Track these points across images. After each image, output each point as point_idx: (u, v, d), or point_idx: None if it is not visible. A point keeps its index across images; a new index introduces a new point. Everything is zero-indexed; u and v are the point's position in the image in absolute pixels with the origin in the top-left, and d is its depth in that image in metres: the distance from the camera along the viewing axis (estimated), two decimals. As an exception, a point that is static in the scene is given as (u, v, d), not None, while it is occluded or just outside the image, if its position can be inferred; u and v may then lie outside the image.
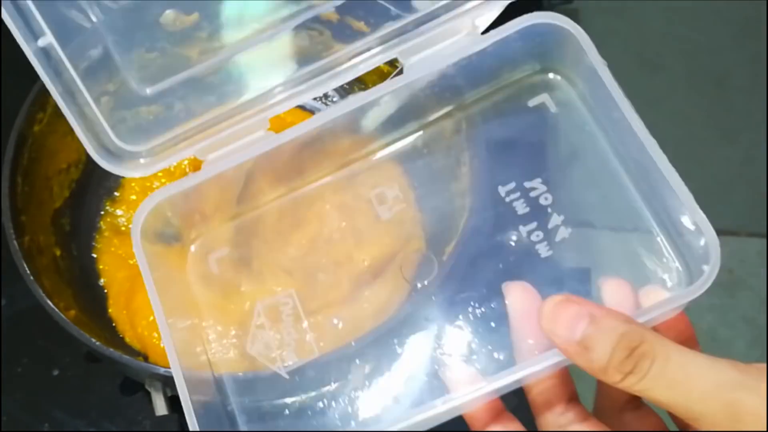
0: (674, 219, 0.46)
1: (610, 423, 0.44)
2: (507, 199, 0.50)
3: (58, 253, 0.65)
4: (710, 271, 0.43)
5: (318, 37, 0.71)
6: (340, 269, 0.65)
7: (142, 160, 0.49)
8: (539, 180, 0.49)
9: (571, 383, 0.44)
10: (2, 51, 0.85)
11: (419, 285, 0.55)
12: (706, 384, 0.38)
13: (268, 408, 0.67)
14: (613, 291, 0.43)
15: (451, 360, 0.46)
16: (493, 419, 0.45)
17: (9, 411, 0.69)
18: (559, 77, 0.50)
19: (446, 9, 0.48)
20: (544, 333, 0.39)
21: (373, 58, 0.50)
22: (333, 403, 0.55)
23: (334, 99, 0.76)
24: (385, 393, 0.51)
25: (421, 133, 0.63)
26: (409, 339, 0.52)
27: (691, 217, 0.44)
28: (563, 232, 0.48)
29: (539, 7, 0.86)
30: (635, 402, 0.44)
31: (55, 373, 0.71)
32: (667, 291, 0.44)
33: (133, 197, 0.71)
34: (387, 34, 0.50)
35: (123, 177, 0.72)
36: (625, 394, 0.42)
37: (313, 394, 0.66)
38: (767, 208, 0.81)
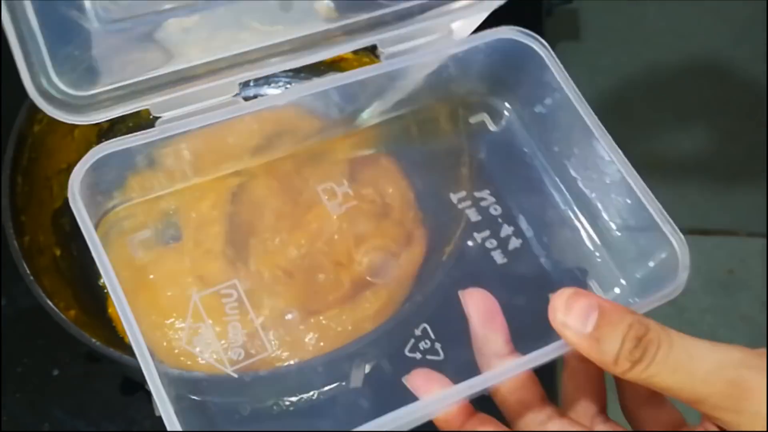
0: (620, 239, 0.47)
1: (630, 418, 0.45)
2: (459, 206, 0.51)
3: (58, 252, 0.65)
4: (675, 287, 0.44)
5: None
6: (341, 269, 0.65)
7: (86, 106, 0.44)
8: (487, 191, 0.50)
9: (539, 385, 0.46)
10: (2, 51, 0.85)
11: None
12: (710, 364, 0.39)
13: (268, 408, 0.67)
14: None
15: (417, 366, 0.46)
16: (467, 419, 0.46)
17: (9, 411, 0.69)
18: (504, 98, 0.51)
19: (422, 8, 0.48)
20: (554, 327, 0.40)
21: (351, 43, 0.48)
22: (332, 403, 0.55)
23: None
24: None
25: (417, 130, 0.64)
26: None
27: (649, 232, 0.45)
28: (515, 242, 0.49)
29: (539, 8, 0.87)
30: (657, 398, 0.45)
31: (55, 373, 0.71)
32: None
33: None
34: (366, 19, 0.49)
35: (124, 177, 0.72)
36: (646, 390, 0.43)
37: (313, 393, 0.66)
38: (767, 208, 0.81)
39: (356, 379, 0.54)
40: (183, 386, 0.57)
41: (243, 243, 0.62)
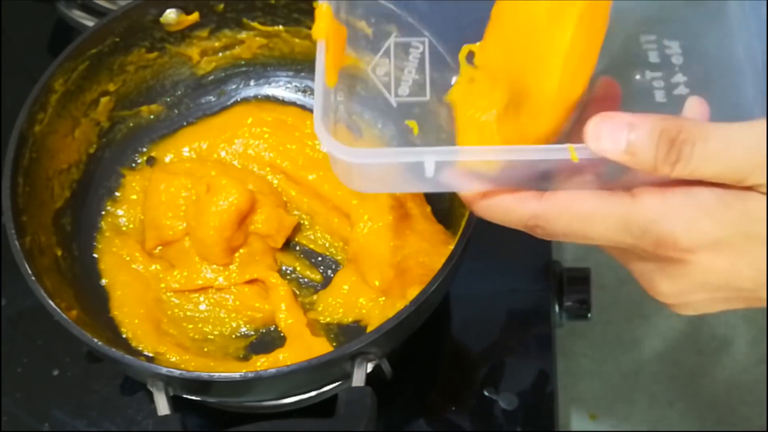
0: None
1: None
2: (644, 46, 0.52)
3: (59, 253, 0.65)
4: None
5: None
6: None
7: None
8: (678, 43, 0.52)
9: None
10: (2, 51, 0.85)
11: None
12: (748, 142, 0.41)
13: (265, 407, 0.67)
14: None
15: None
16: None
17: (9, 411, 0.69)
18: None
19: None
20: (595, 153, 0.43)
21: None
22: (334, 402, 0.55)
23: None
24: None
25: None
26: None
27: None
28: (682, 89, 0.50)
29: None
30: None
31: (55, 373, 0.70)
32: None
33: (134, 197, 0.71)
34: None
35: (124, 177, 0.72)
36: None
37: (315, 393, 0.66)
38: (767, 209, 0.82)
39: (359, 377, 0.54)
40: (184, 386, 0.57)
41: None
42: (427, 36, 0.55)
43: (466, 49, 0.51)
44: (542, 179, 0.45)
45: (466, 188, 0.47)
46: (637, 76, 0.51)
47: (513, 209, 0.45)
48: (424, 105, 0.54)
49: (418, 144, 0.53)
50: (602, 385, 1.23)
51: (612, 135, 0.42)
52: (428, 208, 0.69)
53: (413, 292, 0.57)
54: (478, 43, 0.50)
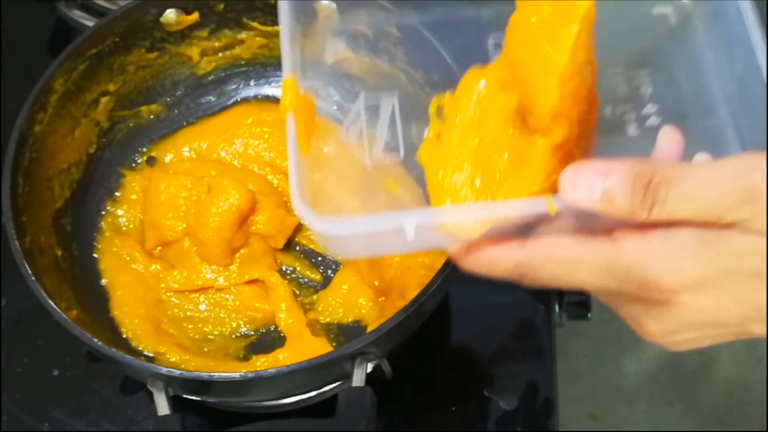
0: None
1: None
2: (612, 80, 0.52)
3: (59, 253, 0.65)
4: None
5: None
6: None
7: None
8: (646, 71, 0.52)
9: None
10: (2, 51, 0.85)
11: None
12: (723, 180, 0.40)
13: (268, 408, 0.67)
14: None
15: None
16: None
17: (9, 411, 0.69)
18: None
19: None
20: (570, 203, 0.42)
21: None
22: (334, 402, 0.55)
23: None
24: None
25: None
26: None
27: None
28: (654, 120, 0.50)
29: None
30: None
31: (55, 373, 0.71)
32: None
33: (134, 197, 0.71)
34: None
35: (124, 177, 0.72)
36: None
37: (313, 394, 0.66)
38: (767, 208, 0.82)
39: (359, 377, 0.54)
40: (184, 386, 0.57)
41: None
42: (396, 92, 0.55)
43: (435, 102, 0.51)
44: (525, 226, 0.45)
45: (449, 246, 0.46)
46: (608, 111, 0.51)
47: (498, 260, 0.45)
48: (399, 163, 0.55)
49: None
50: (602, 385, 1.23)
51: (587, 184, 0.42)
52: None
53: (413, 292, 0.57)
54: (446, 95, 0.50)
